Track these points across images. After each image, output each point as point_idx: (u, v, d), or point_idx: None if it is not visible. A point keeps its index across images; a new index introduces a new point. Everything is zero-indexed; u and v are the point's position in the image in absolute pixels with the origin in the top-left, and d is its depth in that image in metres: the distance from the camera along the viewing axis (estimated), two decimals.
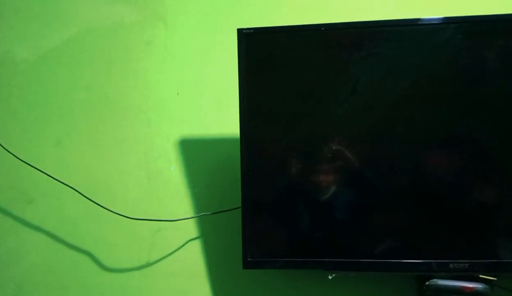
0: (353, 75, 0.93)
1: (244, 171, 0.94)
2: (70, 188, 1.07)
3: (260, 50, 0.98)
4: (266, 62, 0.98)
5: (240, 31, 0.97)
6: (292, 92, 0.97)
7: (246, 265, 0.93)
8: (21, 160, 1.09)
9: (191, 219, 1.06)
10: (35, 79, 1.22)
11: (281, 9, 1.20)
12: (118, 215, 1.05)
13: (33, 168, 1.08)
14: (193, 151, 1.13)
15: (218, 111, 1.15)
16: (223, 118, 1.14)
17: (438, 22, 0.90)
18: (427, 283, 0.90)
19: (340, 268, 0.92)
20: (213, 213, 1.04)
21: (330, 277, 0.93)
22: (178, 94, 1.18)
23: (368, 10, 1.14)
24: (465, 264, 0.88)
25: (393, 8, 1.12)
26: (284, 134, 0.96)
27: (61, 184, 1.07)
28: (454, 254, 0.89)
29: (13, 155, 1.09)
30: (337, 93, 0.93)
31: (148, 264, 1.07)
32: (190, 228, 1.06)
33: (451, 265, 0.88)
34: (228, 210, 1.03)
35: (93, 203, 1.06)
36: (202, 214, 1.05)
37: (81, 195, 1.06)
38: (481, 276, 0.89)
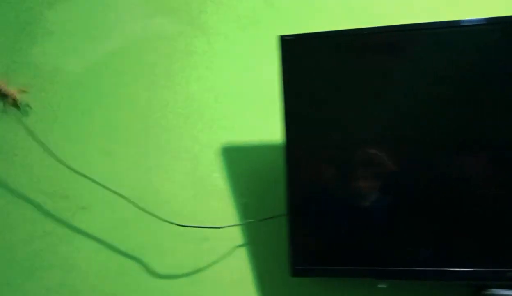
0: (394, 80, 0.91)
1: (288, 178, 0.94)
2: (119, 196, 1.10)
3: (301, 56, 0.98)
4: (308, 67, 0.97)
5: (281, 38, 0.97)
6: (334, 98, 0.96)
7: (294, 273, 0.93)
8: (72, 170, 1.13)
9: (237, 226, 1.06)
10: (83, 91, 1.27)
11: (320, 16, 1.20)
12: (166, 222, 1.07)
13: (84, 177, 1.12)
14: (236, 158, 1.14)
15: (259, 118, 1.15)
16: (264, 125, 1.14)
17: (480, 23, 0.87)
18: (483, 292, 0.87)
19: (391, 276, 0.90)
20: (259, 220, 1.04)
21: (380, 286, 0.91)
22: (216, 101, 1.20)
23: (406, 13, 1.12)
24: None
25: (433, 10, 1.09)
26: (327, 140, 0.96)
27: (111, 192, 1.10)
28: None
29: (65, 165, 1.14)
30: (379, 98, 0.92)
31: (196, 271, 1.08)
32: (236, 235, 1.07)
33: (508, 274, 0.85)
34: (274, 217, 1.03)
35: (142, 210, 1.08)
36: (248, 221, 1.05)
37: (130, 203, 1.09)
38: None
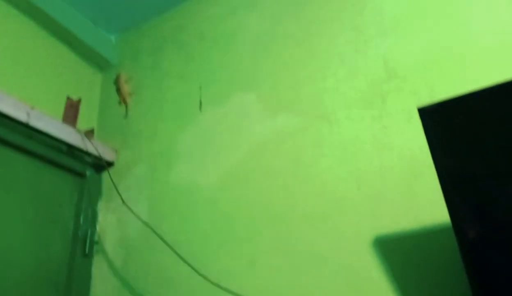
0: None
1: (468, 267, 0.78)
2: None
3: (449, 124, 0.87)
4: (461, 134, 0.86)
5: (422, 111, 0.88)
6: (496, 161, 0.82)
7: None
8: (216, 285, 1.09)
9: None
10: (219, 201, 1.28)
11: (452, 76, 1.09)
12: None
13: (231, 293, 1.07)
14: (393, 248, 1.01)
15: (410, 198, 1.03)
16: (418, 206, 1.01)
17: None
18: None
19: None
20: None
21: None
22: (358, 189, 1.11)
23: None
24: None
25: None
26: (499, 213, 0.80)
27: None
28: None
29: (211, 282, 1.11)
30: None
31: None
32: None
33: None
34: None
35: None
36: None
37: None
38: None
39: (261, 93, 1.36)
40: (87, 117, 1.60)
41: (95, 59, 1.69)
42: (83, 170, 1.46)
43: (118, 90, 1.62)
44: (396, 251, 1.01)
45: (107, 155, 1.50)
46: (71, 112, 1.52)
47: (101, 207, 1.46)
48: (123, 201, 1.32)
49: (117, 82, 1.64)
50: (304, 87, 1.29)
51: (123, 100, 1.60)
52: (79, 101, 1.57)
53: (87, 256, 1.35)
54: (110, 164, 1.51)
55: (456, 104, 0.87)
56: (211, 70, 1.48)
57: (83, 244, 1.36)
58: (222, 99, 1.42)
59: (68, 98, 1.54)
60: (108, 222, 1.42)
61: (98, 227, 1.42)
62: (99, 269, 1.35)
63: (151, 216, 1.35)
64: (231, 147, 1.34)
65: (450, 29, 1.13)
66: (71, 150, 1.40)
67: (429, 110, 0.88)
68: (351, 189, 1.12)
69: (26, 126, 1.25)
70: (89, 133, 1.47)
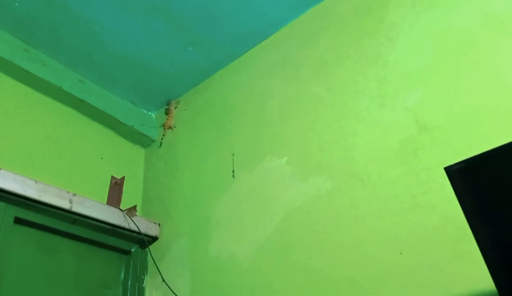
0: None
1: None
2: None
3: (480, 181, 0.79)
4: (494, 191, 0.77)
5: (449, 170, 0.80)
6: None
7: None
8: None
9: None
10: (258, 273, 1.23)
11: (481, 129, 1.00)
12: None
13: None
14: None
15: (453, 265, 0.93)
16: (460, 272, 0.91)
17: None
18: None
19: None
20: None
21: None
22: (401, 253, 1.02)
23: None
24: None
25: None
26: None
27: None
28: None
29: None
30: None
31: None
32: None
33: None
34: None
35: None
36: None
37: None
38: None
39: (291, 156, 1.33)
40: (132, 193, 1.66)
41: (138, 137, 1.77)
42: (128, 247, 1.49)
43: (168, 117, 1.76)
44: None
45: (151, 230, 1.53)
46: (115, 191, 1.59)
47: (148, 282, 1.47)
48: (163, 279, 1.32)
49: (167, 112, 1.77)
50: (333, 147, 1.25)
51: (168, 127, 1.73)
52: (123, 179, 1.64)
53: None
54: (154, 238, 1.53)
55: (487, 159, 0.79)
56: (242, 138, 1.48)
57: None
58: (253, 165, 1.41)
59: (113, 177, 1.62)
60: None
61: None
62: None
63: (194, 292, 1.33)
64: (265, 214, 1.31)
65: (480, 76, 1.05)
66: (115, 229, 1.45)
67: (457, 169, 0.80)
68: (393, 253, 1.03)
69: (69, 212, 1.31)
70: (131, 211, 1.51)
